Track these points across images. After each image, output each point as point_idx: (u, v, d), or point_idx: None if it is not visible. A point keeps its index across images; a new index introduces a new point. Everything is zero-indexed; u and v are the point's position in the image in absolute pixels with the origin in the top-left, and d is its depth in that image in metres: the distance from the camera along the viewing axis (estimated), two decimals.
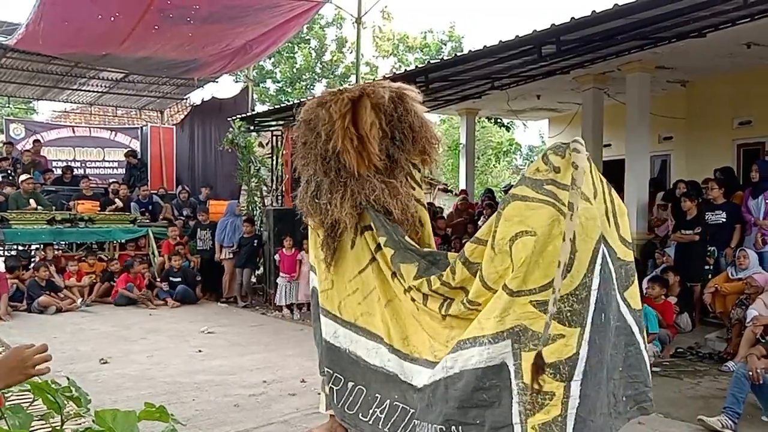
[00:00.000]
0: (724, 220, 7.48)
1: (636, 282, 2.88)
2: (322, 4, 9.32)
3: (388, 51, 23.48)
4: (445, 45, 24.07)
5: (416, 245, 3.41)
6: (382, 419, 3.27)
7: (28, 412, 2.19)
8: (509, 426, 2.63)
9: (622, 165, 9.09)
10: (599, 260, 2.54)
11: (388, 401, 3.25)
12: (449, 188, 20.74)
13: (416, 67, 9.19)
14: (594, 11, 6.19)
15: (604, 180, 2.80)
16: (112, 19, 8.69)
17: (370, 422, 3.32)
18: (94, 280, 10.20)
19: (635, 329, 2.77)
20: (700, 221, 7.52)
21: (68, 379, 2.36)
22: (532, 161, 30.19)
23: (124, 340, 7.31)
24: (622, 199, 9.43)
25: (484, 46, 7.23)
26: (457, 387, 2.78)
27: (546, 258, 2.54)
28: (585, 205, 2.55)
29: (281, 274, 9.37)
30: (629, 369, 2.74)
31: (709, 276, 7.31)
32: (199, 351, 6.66)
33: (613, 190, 2.82)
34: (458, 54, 8.30)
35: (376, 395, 3.33)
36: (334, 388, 3.55)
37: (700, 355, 6.33)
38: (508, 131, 18.17)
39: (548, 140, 14.82)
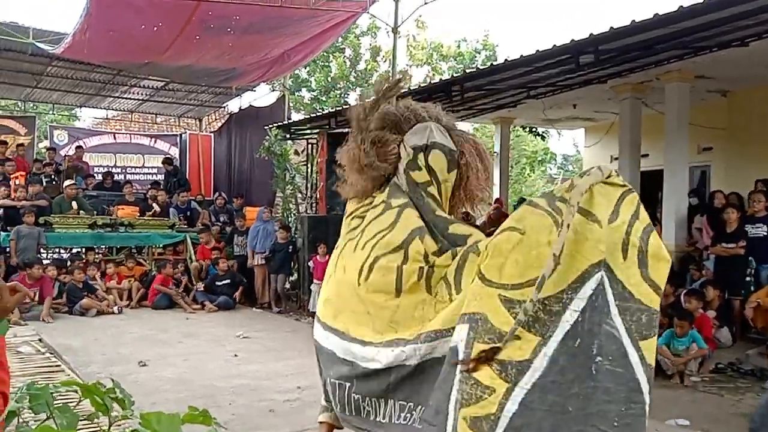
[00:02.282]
0: (766, 233, 7.31)
1: (656, 337, 2.56)
2: (359, 14, 9.41)
3: (421, 60, 23.53)
4: (479, 54, 24.01)
5: (448, 216, 3.43)
6: (330, 396, 3.34)
7: (74, 412, 2.26)
8: (445, 413, 2.64)
9: (660, 176, 8.96)
10: (590, 284, 2.41)
11: (327, 377, 3.33)
12: None
13: (452, 76, 9.21)
14: (633, 20, 6.13)
15: (641, 218, 2.55)
16: (155, 29, 8.92)
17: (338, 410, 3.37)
18: (133, 282, 10.43)
19: (644, 387, 2.44)
20: (742, 234, 7.36)
21: (112, 380, 2.42)
22: (567, 170, 29.90)
23: (161, 343, 7.45)
24: (660, 210, 9.13)
25: (521, 55, 7.22)
26: (436, 370, 2.82)
27: (528, 260, 2.51)
28: (590, 225, 2.45)
29: (315, 280, 9.45)
30: (626, 428, 2.39)
31: (751, 289, 7.15)
32: (235, 355, 6.76)
33: (654, 232, 2.54)
34: (493, 63, 8.29)
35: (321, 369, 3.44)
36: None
37: (742, 371, 6.16)
38: (543, 140, 18.01)
39: (584, 150, 14.67)
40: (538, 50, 7.00)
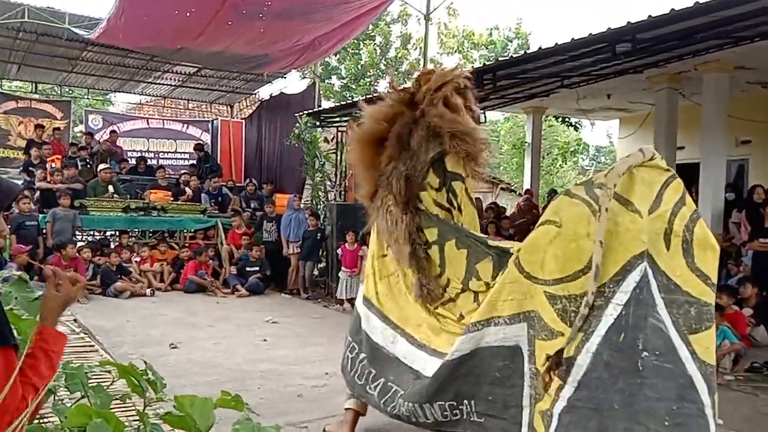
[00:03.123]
0: None
1: (711, 332, 2.39)
2: (391, 1, 9.34)
3: (452, 48, 23.33)
4: (511, 42, 23.74)
5: (482, 235, 3.54)
6: (375, 395, 3.52)
7: (108, 392, 2.29)
8: (519, 407, 2.72)
9: (696, 169, 8.76)
10: (633, 277, 2.34)
11: (383, 380, 3.49)
12: (512, 188, 20.47)
13: (484, 64, 9.12)
14: (673, 9, 5.98)
15: (688, 204, 2.45)
16: (188, 14, 8.97)
17: (372, 395, 3.58)
18: (165, 266, 10.58)
19: (699, 384, 2.27)
20: None
21: (145, 362, 2.45)
22: (599, 162, 29.43)
23: (192, 326, 7.55)
24: (695, 204, 9.01)
25: (556, 43, 7.10)
26: (470, 364, 2.93)
27: (567, 254, 2.48)
28: (631, 216, 2.38)
29: (343, 268, 9.50)
30: (678, 428, 2.26)
31: None
32: (264, 340, 6.83)
33: (701, 220, 2.44)
34: (527, 51, 8.18)
35: (371, 370, 3.60)
36: (349, 355, 3.83)
37: None
38: (576, 131, 17.76)
39: (617, 141, 14.42)
40: (573, 38, 6.88)
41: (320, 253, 10.86)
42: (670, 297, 2.32)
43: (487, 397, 2.89)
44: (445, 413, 3.06)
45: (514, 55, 8.29)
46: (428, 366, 3.24)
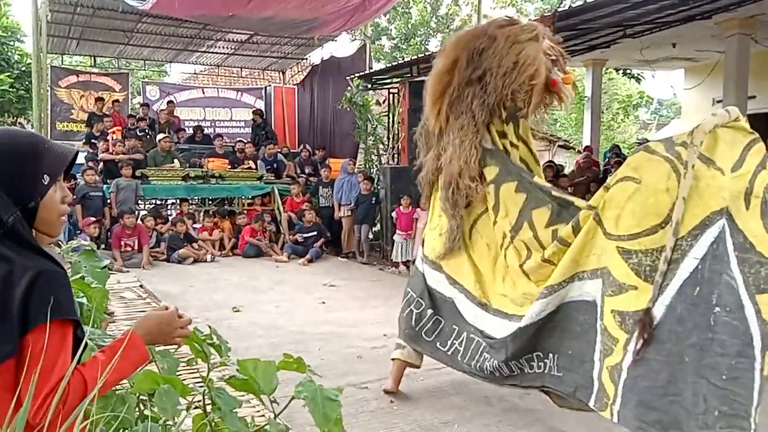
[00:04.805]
0: None
1: None
2: None
3: (506, 2, 22.65)
4: None
5: (546, 183, 3.51)
6: (461, 351, 3.52)
7: (175, 357, 2.34)
8: (591, 362, 2.80)
9: None
10: (711, 232, 2.37)
11: (465, 334, 3.51)
12: (570, 144, 19.92)
13: (542, 15, 8.77)
14: None
15: None
16: None
17: (449, 352, 3.59)
18: (223, 232, 10.80)
19: (756, 341, 2.32)
20: None
21: (210, 327, 2.49)
22: (661, 115, 28.31)
23: (253, 290, 7.71)
24: None
25: None
26: (557, 319, 2.99)
27: (644, 209, 2.53)
28: (712, 172, 2.41)
29: (398, 231, 9.48)
30: (733, 383, 2.30)
31: None
32: (323, 303, 6.92)
33: None
34: (587, 0, 7.81)
35: (454, 327, 3.60)
36: (414, 310, 3.81)
37: None
38: (639, 83, 17.05)
39: (682, 93, 13.78)
40: None
41: (375, 216, 10.87)
42: (744, 256, 2.35)
43: (568, 351, 2.97)
44: (531, 363, 3.15)
45: (573, 6, 7.94)
46: (496, 327, 3.30)
